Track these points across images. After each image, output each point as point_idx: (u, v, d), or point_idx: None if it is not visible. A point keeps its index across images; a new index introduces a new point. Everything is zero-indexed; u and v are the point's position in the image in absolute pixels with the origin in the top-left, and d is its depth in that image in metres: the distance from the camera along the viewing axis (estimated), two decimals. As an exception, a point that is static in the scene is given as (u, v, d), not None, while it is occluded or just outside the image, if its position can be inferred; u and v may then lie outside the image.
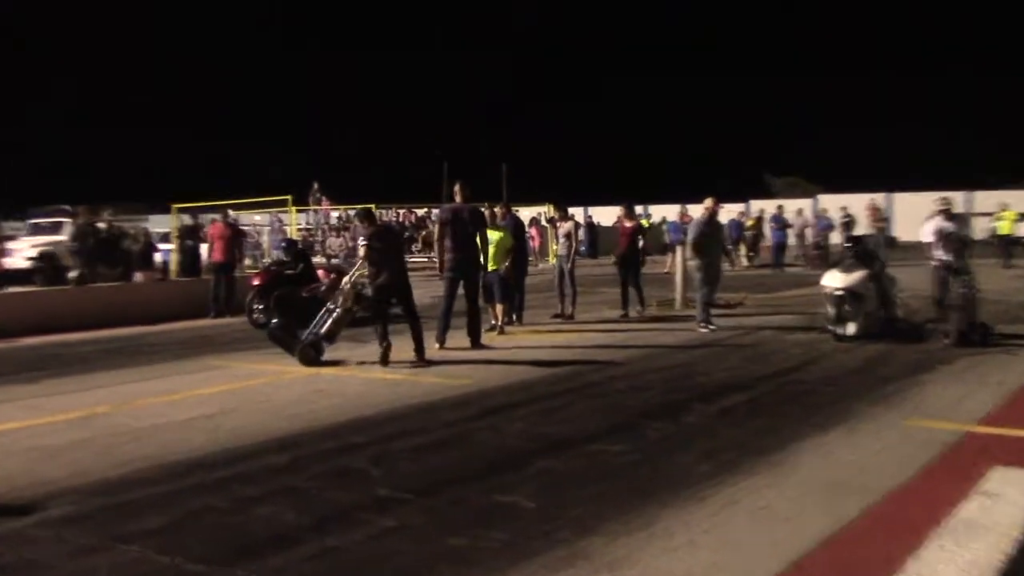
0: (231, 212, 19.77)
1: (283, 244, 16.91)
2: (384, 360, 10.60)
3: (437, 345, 11.75)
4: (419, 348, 10.91)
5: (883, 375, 9.49)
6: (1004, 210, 28.81)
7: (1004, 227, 28.27)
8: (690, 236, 13.81)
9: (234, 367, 10.91)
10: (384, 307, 11.04)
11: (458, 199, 12.04)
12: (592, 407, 8.18)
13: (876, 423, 7.34)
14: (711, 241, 13.59)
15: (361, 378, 9.93)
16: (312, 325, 10.95)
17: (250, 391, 9.27)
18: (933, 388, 8.75)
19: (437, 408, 8.25)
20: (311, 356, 10.74)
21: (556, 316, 15.21)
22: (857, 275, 11.88)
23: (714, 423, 7.49)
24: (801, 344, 11.77)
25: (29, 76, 59.84)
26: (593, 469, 6.20)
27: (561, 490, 5.74)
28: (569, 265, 15.20)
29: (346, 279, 11.38)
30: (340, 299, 11.12)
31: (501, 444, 6.92)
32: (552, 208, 16.14)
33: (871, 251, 12.99)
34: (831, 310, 11.87)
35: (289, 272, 14.95)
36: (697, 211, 14.87)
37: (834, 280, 11.96)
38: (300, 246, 17.49)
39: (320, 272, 15.75)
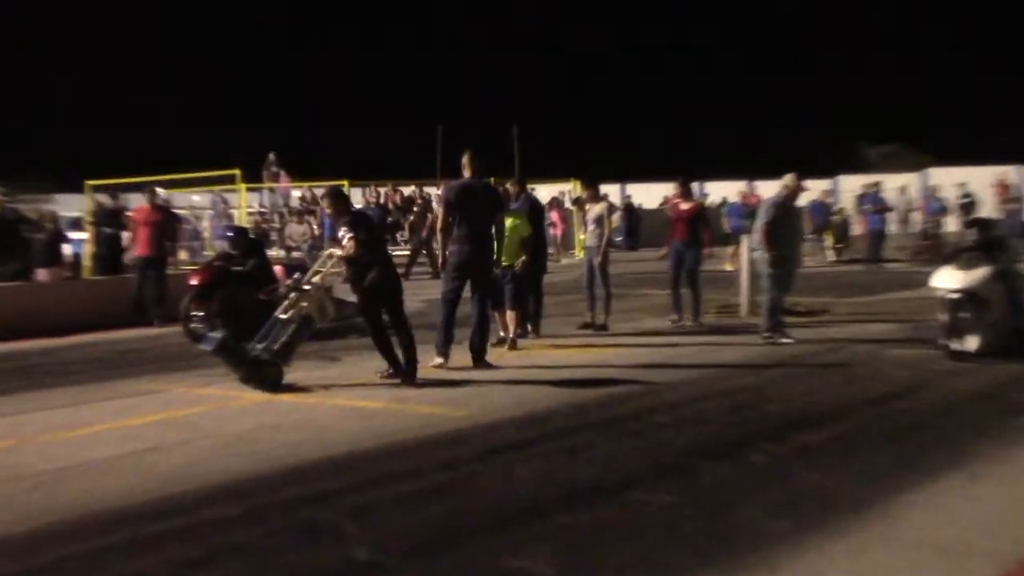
0: (160, 191, 19.85)
1: (229, 233, 16.97)
2: (408, 378, 10.93)
3: (439, 360, 11.80)
4: (411, 365, 11.03)
5: (1016, 404, 9.49)
6: None
7: None
8: (759, 220, 13.80)
9: (169, 392, 10.97)
10: (377, 314, 11.13)
11: (467, 174, 12.06)
12: (629, 445, 8.18)
13: (1007, 467, 7.33)
14: (787, 228, 13.60)
15: (331, 406, 9.97)
16: (258, 337, 10.97)
17: (190, 423, 9.31)
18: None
19: (430, 445, 8.27)
20: (266, 378, 10.77)
21: (585, 326, 15.24)
22: (980, 273, 11.85)
23: (790, 466, 7.48)
24: (905, 363, 11.76)
25: (28, 75, 61.16)
26: (630, 525, 6.21)
27: (589, 552, 5.76)
28: (600, 259, 15.22)
29: (309, 278, 11.38)
30: (300, 304, 11.11)
31: (512, 492, 6.93)
32: (579, 186, 16.15)
33: (1000, 240, 12.92)
34: (945, 319, 11.85)
35: (237, 269, 15.02)
36: (768, 190, 14.85)
37: (949, 280, 11.93)
38: (252, 235, 17.56)
39: (277, 269, 15.82)
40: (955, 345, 11.74)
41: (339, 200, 11.46)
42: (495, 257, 12.35)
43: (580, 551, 5.77)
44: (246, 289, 14.41)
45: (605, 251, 15.30)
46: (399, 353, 11.15)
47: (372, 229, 11.39)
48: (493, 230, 12.11)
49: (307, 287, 11.21)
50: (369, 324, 11.26)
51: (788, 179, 13.87)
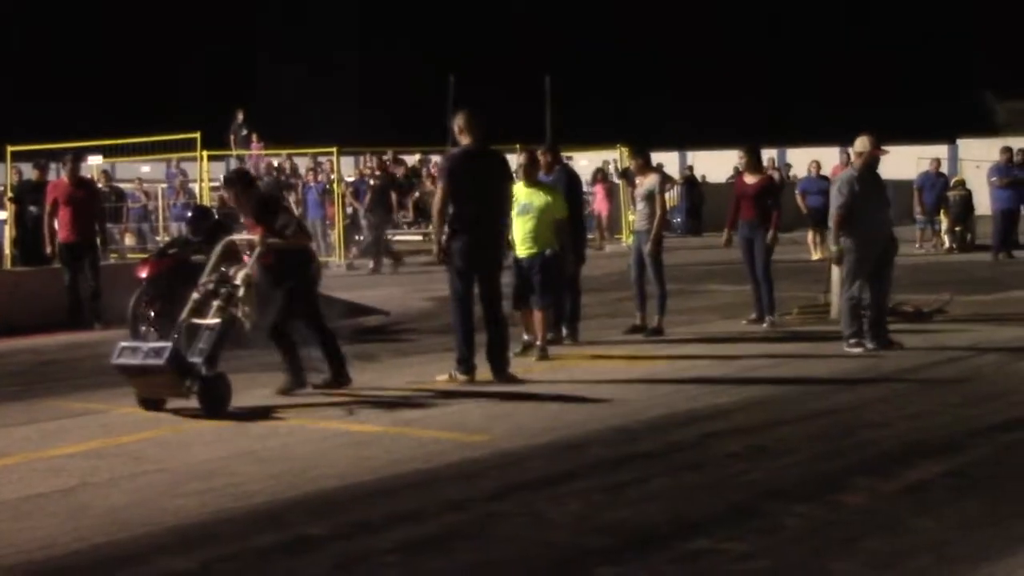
0: (95, 160, 19.88)
1: (189, 214, 17.01)
2: (336, 382, 11.36)
3: (462, 377, 11.88)
4: (337, 369, 11.60)
5: None
6: None
7: None
8: (832, 203, 13.75)
9: (108, 413, 11.02)
10: (316, 313, 11.54)
11: (465, 140, 12.07)
12: (690, 481, 8.18)
13: None
14: (869, 206, 13.55)
15: (315, 431, 10.01)
16: (192, 349, 10.87)
17: (133, 452, 9.35)
18: None
19: (437, 480, 8.28)
20: (216, 398, 10.70)
21: (634, 330, 15.25)
22: None
23: (894, 508, 7.46)
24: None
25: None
26: (694, 581, 6.20)
27: (642, 615, 5.77)
28: (651, 246, 15.19)
29: (238, 271, 11.27)
30: (233, 305, 11.02)
31: (542, 539, 6.93)
32: (627, 154, 16.13)
33: None
34: None
35: (199, 259, 15.06)
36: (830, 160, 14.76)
37: None
38: (217, 216, 17.59)
39: (245, 258, 15.84)
40: None
41: (238, 182, 11.65)
42: (507, 242, 12.34)
43: (627, 614, 5.78)
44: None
45: (657, 236, 15.28)
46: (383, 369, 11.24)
47: (291, 217, 11.73)
48: (503, 206, 12.12)
49: (238, 283, 11.10)
50: (311, 326, 11.66)
51: (860, 143, 13.80)
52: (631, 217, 20.23)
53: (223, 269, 11.58)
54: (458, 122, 12.14)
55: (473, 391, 11.57)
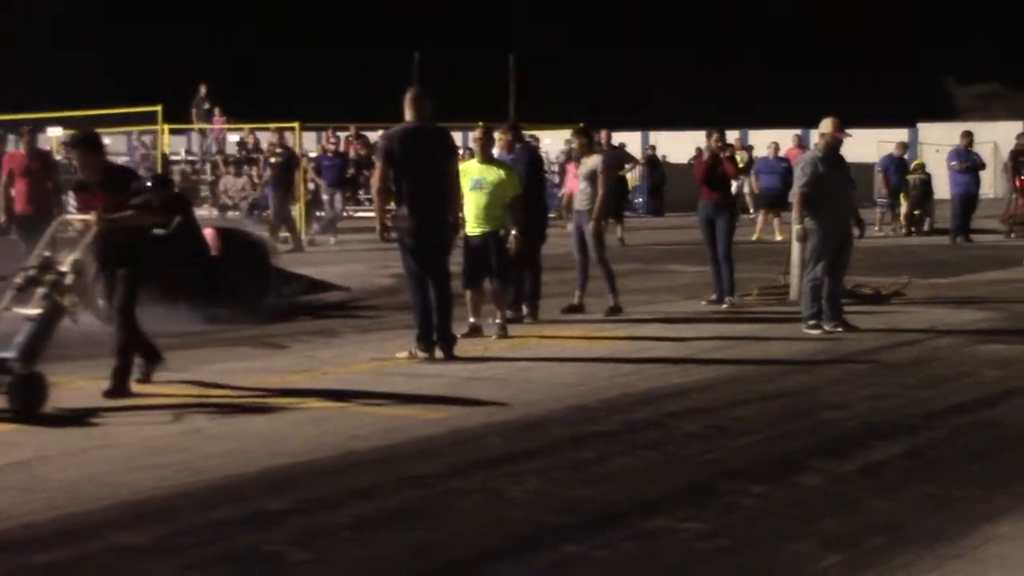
0: (53, 131, 19.72)
1: (148, 185, 16.93)
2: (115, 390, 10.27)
3: (422, 354, 11.86)
4: (119, 372, 10.45)
5: None
6: None
7: None
8: (795, 184, 13.87)
9: (64, 387, 10.93)
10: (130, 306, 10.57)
11: (410, 117, 12.03)
12: (649, 460, 8.20)
13: (1119, 493, 7.36)
14: (830, 189, 13.63)
15: (273, 407, 9.98)
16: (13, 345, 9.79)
17: (88, 427, 9.31)
18: None
19: (397, 457, 8.27)
20: (31, 397, 9.57)
21: (571, 309, 15.32)
22: None
23: (851, 489, 7.50)
24: (1001, 362, 11.80)
25: None
26: (652, 559, 6.22)
27: (599, 593, 5.77)
28: (593, 226, 15.17)
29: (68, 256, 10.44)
30: (59, 293, 10.05)
31: (500, 516, 6.94)
32: (573, 135, 16.11)
33: None
34: None
35: (157, 232, 14.98)
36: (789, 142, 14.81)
37: None
38: (176, 188, 17.50)
39: (207, 231, 15.79)
40: None
41: (92, 150, 10.72)
42: (453, 219, 12.27)
43: (585, 592, 5.79)
44: (167, 256, 14.36)
45: (599, 216, 15.26)
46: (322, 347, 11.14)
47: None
48: (447, 183, 12.05)
49: (65, 270, 10.19)
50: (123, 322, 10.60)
51: (825, 125, 13.87)
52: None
53: (47, 254, 10.70)
54: (406, 98, 12.10)
55: (433, 368, 11.55)
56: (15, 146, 22.30)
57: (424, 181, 11.81)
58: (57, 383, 10.00)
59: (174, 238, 14.80)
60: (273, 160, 27.95)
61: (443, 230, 12.08)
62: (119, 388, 10.30)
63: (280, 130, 28.77)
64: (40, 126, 19.50)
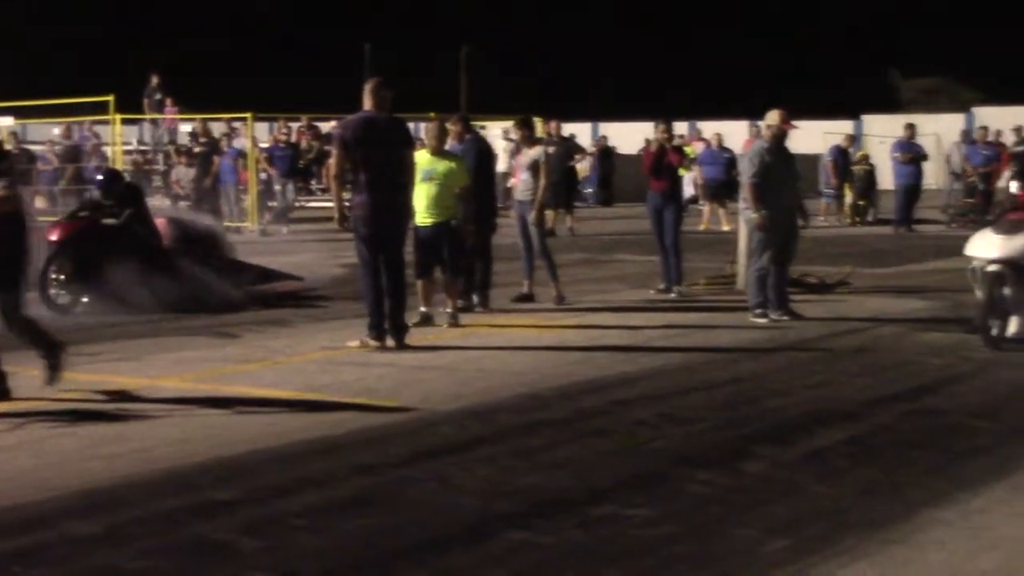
0: (4, 121, 19.56)
1: (100, 177, 16.77)
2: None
3: (373, 343, 11.84)
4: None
5: (1068, 401, 9.62)
6: None
7: None
8: (745, 175, 13.95)
9: (18, 376, 10.82)
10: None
11: (368, 106, 12.01)
12: (597, 448, 8.22)
13: (1057, 478, 7.43)
14: (777, 180, 13.72)
15: (225, 395, 9.94)
16: None
17: (43, 418, 9.23)
18: None
19: (348, 446, 8.26)
20: None
21: (521, 298, 15.30)
22: None
23: (795, 476, 7.54)
24: (941, 350, 11.88)
25: None
26: (599, 546, 6.24)
27: (548, 579, 5.77)
28: (534, 215, 15.19)
29: None
30: None
31: (452, 504, 6.94)
32: (514, 126, 16.12)
33: None
34: (983, 296, 11.94)
35: (109, 222, 14.89)
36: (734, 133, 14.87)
37: (988, 247, 11.99)
38: (128, 180, 17.37)
39: (160, 221, 15.70)
40: (995, 329, 11.80)
41: None
42: (407, 208, 12.26)
43: (534, 578, 5.79)
44: (119, 247, 14.31)
45: (540, 206, 15.30)
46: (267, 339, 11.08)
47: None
48: (403, 172, 12.03)
49: None
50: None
51: (771, 117, 13.96)
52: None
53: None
54: (366, 88, 12.08)
55: (384, 357, 11.54)
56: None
57: (379, 170, 11.79)
58: (17, 371, 9.93)
59: (126, 228, 14.73)
60: (197, 150, 27.81)
61: (398, 219, 12.06)
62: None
63: (204, 120, 28.62)
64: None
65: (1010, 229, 11.96)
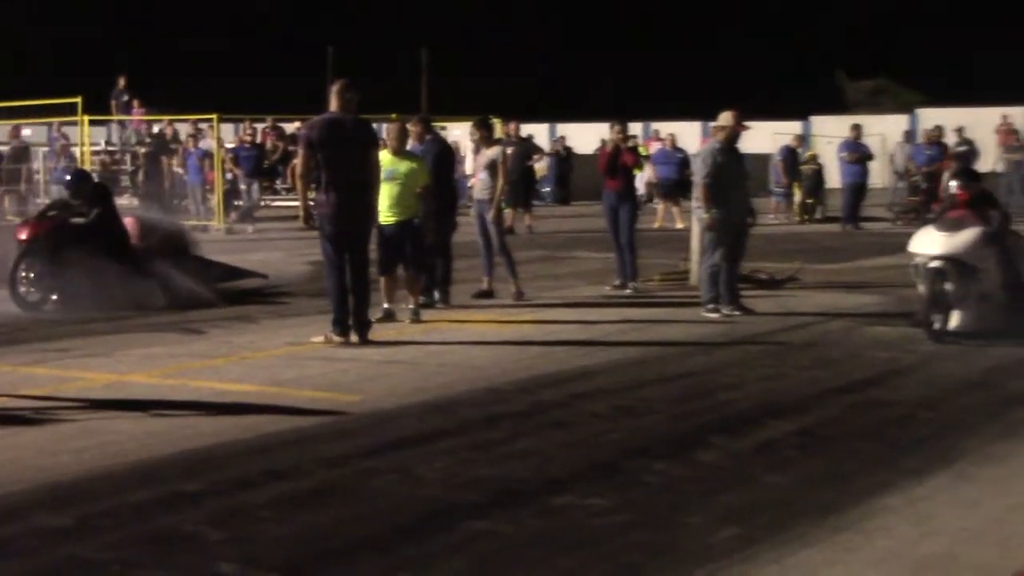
0: None
1: (68, 177, 16.64)
2: None
3: (337, 338, 11.82)
4: None
5: (1013, 394, 9.68)
6: None
7: None
8: (697, 174, 14.02)
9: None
10: None
11: (334, 108, 11.99)
12: (555, 439, 8.22)
13: (1001, 468, 7.48)
14: (729, 180, 13.79)
15: (192, 390, 9.90)
16: None
17: (10, 412, 9.16)
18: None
19: (312, 438, 8.24)
20: None
21: (481, 294, 15.33)
22: (967, 236, 11.97)
23: (746, 466, 7.58)
24: (887, 344, 11.95)
25: None
26: (556, 535, 6.25)
27: (506, 566, 5.80)
28: (492, 214, 15.22)
29: None
30: None
31: (412, 495, 6.94)
32: (473, 127, 16.17)
33: (991, 197, 13.17)
34: (925, 291, 12.00)
35: (77, 221, 14.81)
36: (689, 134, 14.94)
37: (930, 244, 12.06)
38: (96, 180, 17.25)
39: (128, 220, 15.62)
40: (937, 323, 11.86)
41: None
42: (372, 207, 12.24)
43: (495, 566, 5.81)
44: (88, 246, 14.25)
45: (498, 204, 15.33)
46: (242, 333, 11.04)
47: None
48: (369, 173, 12.01)
49: None
50: None
51: (724, 118, 14.04)
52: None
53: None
54: (333, 89, 12.06)
55: (348, 352, 11.53)
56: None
57: (345, 170, 11.76)
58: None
59: (94, 227, 14.65)
60: (144, 150, 27.61)
61: (363, 218, 12.04)
62: None
63: (148, 122, 28.40)
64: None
65: (951, 226, 12.06)
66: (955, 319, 11.87)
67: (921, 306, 12.06)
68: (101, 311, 13.68)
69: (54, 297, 14.28)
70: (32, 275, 14.47)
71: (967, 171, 14.20)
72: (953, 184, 12.89)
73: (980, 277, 11.93)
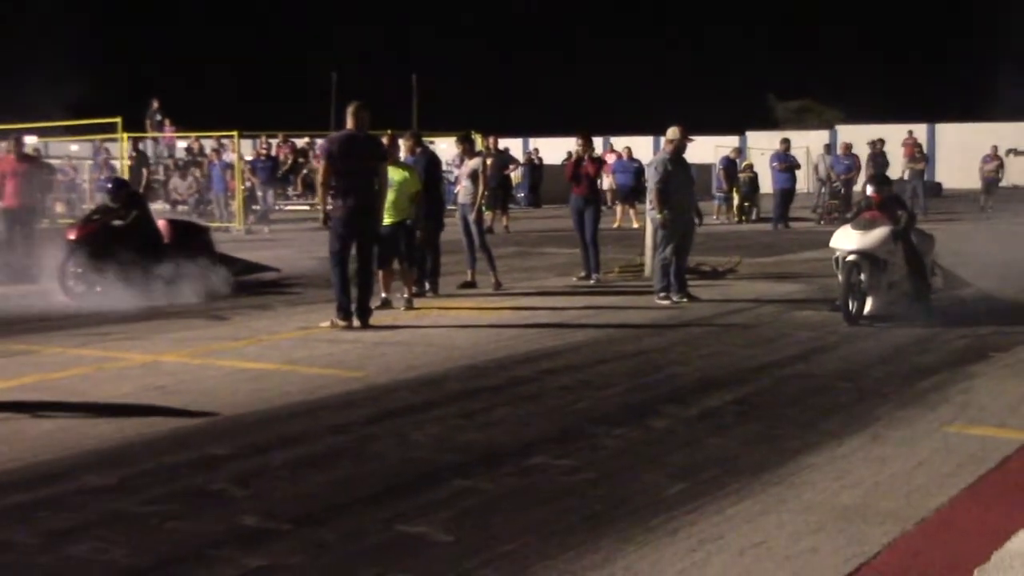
0: (29, 139, 19.37)
1: (109, 185, 16.58)
2: None
3: (341, 323, 11.78)
4: None
5: (918, 367, 9.74)
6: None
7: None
8: (650, 181, 14.08)
9: (42, 353, 10.74)
10: None
11: (350, 125, 11.99)
12: (529, 409, 8.24)
13: (908, 430, 7.53)
14: (677, 185, 13.84)
15: (217, 368, 9.87)
16: None
17: (63, 385, 9.14)
18: (984, 385, 9.01)
19: (321, 409, 8.23)
20: None
21: (466, 285, 15.35)
22: (877, 234, 12.01)
23: (692, 430, 7.60)
24: (812, 325, 11.98)
25: None
26: (530, 490, 6.26)
27: (487, 518, 5.80)
28: (474, 215, 15.26)
29: None
30: None
31: (407, 457, 6.94)
32: (456, 141, 16.21)
33: (899, 199, 13.25)
34: (843, 281, 11.98)
35: (118, 223, 14.76)
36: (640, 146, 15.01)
37: (847, 240, 12.10)
38: (132, 188, 17.23)
39: (160, 223, 15.58)
40: (853, 308, 11.88)
41: None
42: (379, 211, 12.23)
43: (477, 517, 5.81)
44: (127, 244, 14.22)
45: (479, 207, 15.36)
46: (269, 317, 11.00)
47: None
48: (377, 182, 12.00)
49: None
50: None
51: (672, 132, 14.10)
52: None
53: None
54: (349, 110, 12.07)
55: (350, 335, 11.51)
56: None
57: (357, 178, 11.78)
58: (32, 350, 9.82)
59: (135, 227, 14.61)
60: (128, 163, 27.37)
61: (371, 220, 12.04)
62: None
63: (135, 139, 28.19)
64: (16, 135, 19.11)
65: (865, 225, 12.12)
66: (869, 305, 11.94)
67: (839, 293, 12.10)
68: (138, 301, 13.62)
69: (98, 289, 14.20)
70: (79, 270, 14.41)
71: (881, 177, 14.26)
72: (869, 188, 12.95)
73: (889, 269, 12.02)
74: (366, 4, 71.86)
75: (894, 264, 12.10)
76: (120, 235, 14.50)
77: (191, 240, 15.48)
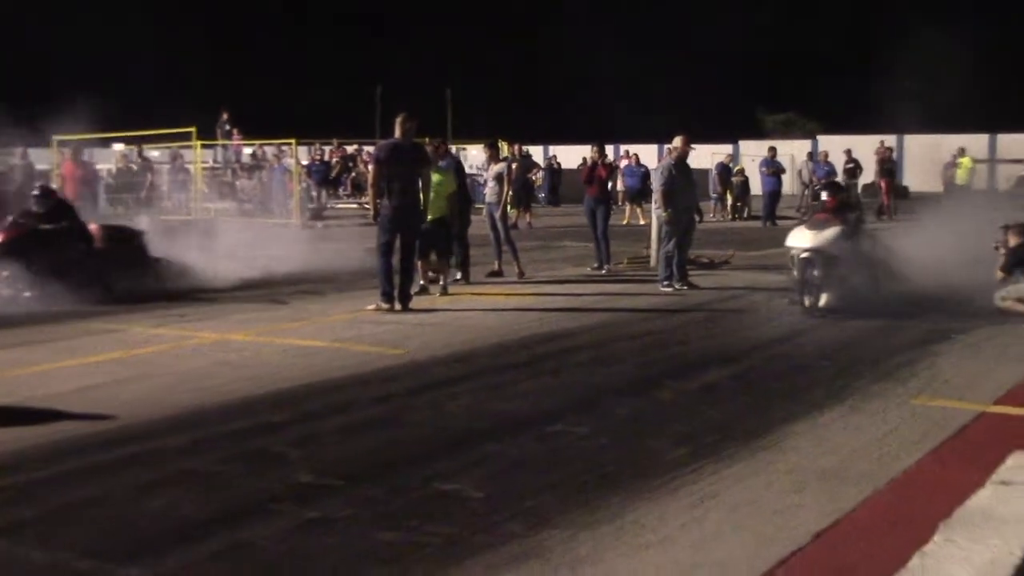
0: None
1: (35, 193, 14.01)
2: None
3: (384, 306, 11.77)
4: None
5: (888, 348, 9.67)
6: (962, 156, 30.08)
7: (961, 175, 29.75)
8: (656, 184, 14.08)
9: (125, 331, 10.79)
10: None
11: (398, 134, 11.98)
12: (549, 382, 8.24)
13: (880, 402, 7.49)
14: (681, 187, 13.81)
15: (278, 345, 9.89)
16: None
17: (145, 360, 9.18)
18: (946, 362, 8.96)
19: (366, 381, 8.25)
20: None
21: (492, 274, 15.34)
22: (829, 233, 11.75)
23: (692, 402, 7.59)
24: (794, 311, 11.87)
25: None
26: (551, 453, 6.26)
27: (513, 477, 5.79)
28: (500, 212, 15.26)
29: None
30: None
31: (442, 424, 6.95)
32: (484, 148, 16.23)
33: (849, 202, 13.14)
34: (797, 276, 11.77)
35: (46, 227, 13.09)
36: (645, 153, 15.02)
37: (801, 239, 11.88)
38: (60, 195, 15.27)
39: (92, 227, 14.00)
40: (808, 301, 11.59)
41: None
42: (423, 210, 12.25)
43: (504, 477, 5.80)
44: (54, 248, 12.87)
45: (504, 205, 15.34)
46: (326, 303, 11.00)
47: None
48: (420, 185, 12.02)
49: None
50: None
51: (676, 141, 14.08)
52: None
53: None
54: (397, 120, 12.06)
55: (392, 317, 11.52)
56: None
57: (403, 181, 11.79)
58: (117, 329, 9.85)
59: (64, 232, 13.22)
60: (136, 168, 26.50)
61: (416, 217, 12.04)
62: None
63: (244, 144, 27.98)
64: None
65: (818, 226, 11.96)
66: (824, 298, 11.62)
67: (795, 288, 11.89)
68: (62, 303, 12.21)
69: (26, 294, 12.55)
70: (5, 274, 12.68)
71: (834, 184, 14.27)
72: (824, 193, 12.86)
73: (839, 264, 11.76)
74: (412, 36, 71.87)
75: (844, 260, 11.73)
76: (47, 238, 13.02)
77: (123, 243, 14.09)
